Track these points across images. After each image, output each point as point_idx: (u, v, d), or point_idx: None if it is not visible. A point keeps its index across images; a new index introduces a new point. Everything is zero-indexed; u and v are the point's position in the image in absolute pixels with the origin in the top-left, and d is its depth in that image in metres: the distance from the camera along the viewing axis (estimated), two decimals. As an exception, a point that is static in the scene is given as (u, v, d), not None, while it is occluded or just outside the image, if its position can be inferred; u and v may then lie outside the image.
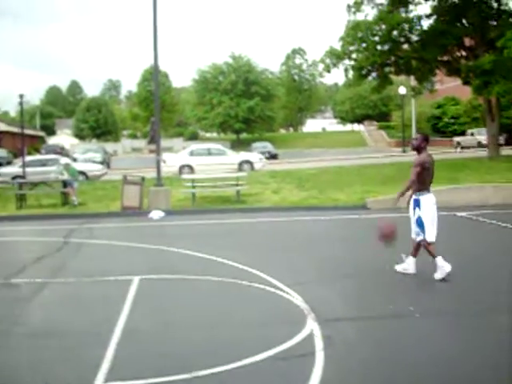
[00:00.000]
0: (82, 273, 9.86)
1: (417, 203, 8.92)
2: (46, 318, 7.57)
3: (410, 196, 9.21)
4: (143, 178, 18.60)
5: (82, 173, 28.15)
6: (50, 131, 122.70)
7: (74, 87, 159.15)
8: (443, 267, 8.60)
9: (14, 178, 27.34)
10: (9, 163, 51.00)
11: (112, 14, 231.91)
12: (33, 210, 19.36)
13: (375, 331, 6.60)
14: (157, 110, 19.76)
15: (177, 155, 34.90)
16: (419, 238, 8.90)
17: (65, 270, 10.29)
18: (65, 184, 20.24)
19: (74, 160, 38.30)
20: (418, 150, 9.10)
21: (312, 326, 6.64)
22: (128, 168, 39.71)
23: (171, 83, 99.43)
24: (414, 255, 9.07)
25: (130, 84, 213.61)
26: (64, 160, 23.90)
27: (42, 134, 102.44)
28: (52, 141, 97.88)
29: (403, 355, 5.84)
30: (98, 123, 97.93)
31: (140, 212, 17.66)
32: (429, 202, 8.89)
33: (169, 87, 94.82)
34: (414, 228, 9.02)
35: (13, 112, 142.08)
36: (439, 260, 8.65)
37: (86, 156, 42.65)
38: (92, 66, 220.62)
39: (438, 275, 8.63)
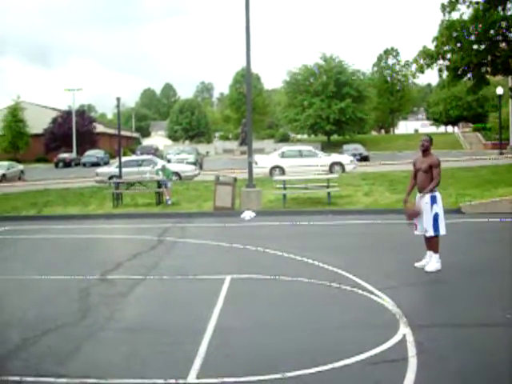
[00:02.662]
0: (176, 271, 10.09)
1: (434, 200, 9.41)
2: (140, 313, 7.80)
3: (408, 194, 9.92)
4: (235, 179, 18.79)
5: (176, 173, 28.77)
6: (145, 133, 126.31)
7: (168, 90, 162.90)
8: (438, 264, 9.37)
9: (111, 177, 28.29)
10: (106, 163, 52.91)
11: (204, 16, 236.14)
12: (128, 208, 19.96)
13: (470, 339, 6.37)
14: (249, 112, 19.92)
15: (268, 157, 35.06)
16: (429, 234, 9.40)
17: (159, 267, 10.55)
18: (159, 184, 20.77)
19: (168, 161, 39.24)
20: (427, 150, 9.63)
21: (404, 331, 6.52)
22: (220, 169, 40.26)
23: (263, 85, 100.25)
24: (436, 251, 9.48)
25: (222, 86, 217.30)
26: (161, 162, 24.51)
27: (137, 135, 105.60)
28: (146, 142, 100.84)
29: (500, 367, 5.61)
30: (191, 125, 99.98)
31: (232, 212, 17.87)
32: (441, 199, 9.53)
33: (260, 89, 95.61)
34: (423, 224, 9.46)
35: (109, 114, 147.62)
36: (438, 256, 9.39)
37: (179, 157, 43.59)
38: (185, 69, 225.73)
39: (430, 268, 9.37)
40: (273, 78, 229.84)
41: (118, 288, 9.10)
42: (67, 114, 71.56)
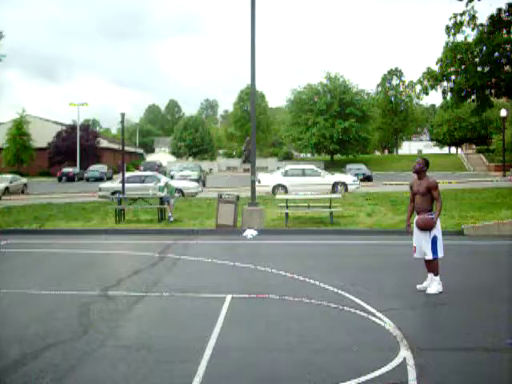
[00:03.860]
0: (176, 288, 10.07)
1: None
2: (140, 331, 7.76)
3: (409, 217, 10.09)
4: (238, 197, 18.78)
5: (179, 190, 28.82)
6: (149, 148, 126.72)
7: (173, 106, 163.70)
8: (439, 286, 9.42)
9: (114, 193, 28.37)
10: (109, 179, 53.04)
11: (210, 34, 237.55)
12: (130, 224, 19.94)
13: (471, 363, 6.33)
14: (253, 130, 19.93)
15: (271, 175, 35.06)
16: (429, 257, 9.46)
17: (159, 284, 10.53)
18: (162, 200, 20.77)
19: (171, 177, 39.31)
20: (419, 172, 9.68)
21: (405, 354, 6.49)
22: (223, 186, 40.28)
23: (267, 103, 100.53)
24: (436, 273, 9.54)
25: (226, 104, 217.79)
26: (164, 179, 24.58)
27: (140, 151, 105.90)
28: (150, 158, 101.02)
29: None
30: (195, 142, 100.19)
31: (234, 230, 17.86)
32: (439, 221, 9.55)
33: (264, 107, 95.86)
34: (421, 248, 9.56)
35: (114, 129, 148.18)
36: (439, 279, 9.45)
37: (182, 173, 43.63)
38: (190, 86, 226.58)
39: (432, 290, 9.39)
40: (277, 97, 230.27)
41: (118, 305, 9.08)
42: (71, 129, 71.79)
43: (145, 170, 49.42)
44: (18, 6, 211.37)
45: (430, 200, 9.49)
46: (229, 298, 9.17)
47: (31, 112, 75.04)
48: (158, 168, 58.52)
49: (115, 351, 6.89)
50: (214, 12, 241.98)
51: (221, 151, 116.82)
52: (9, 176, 45.78)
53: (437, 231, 9.41)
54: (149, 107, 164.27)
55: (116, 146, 77.35)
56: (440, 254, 9.44)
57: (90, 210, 24.45)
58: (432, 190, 9.44)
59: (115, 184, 31.65)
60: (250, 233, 17.20)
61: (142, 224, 20.02)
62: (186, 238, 16.74)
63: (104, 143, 78.14)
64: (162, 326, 8.00)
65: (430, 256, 9.40)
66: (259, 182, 29.44)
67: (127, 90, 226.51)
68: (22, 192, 44.05)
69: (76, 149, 67.37)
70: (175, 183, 28.23)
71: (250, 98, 20.46)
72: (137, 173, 41.28)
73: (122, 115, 26.69)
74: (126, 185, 27.61)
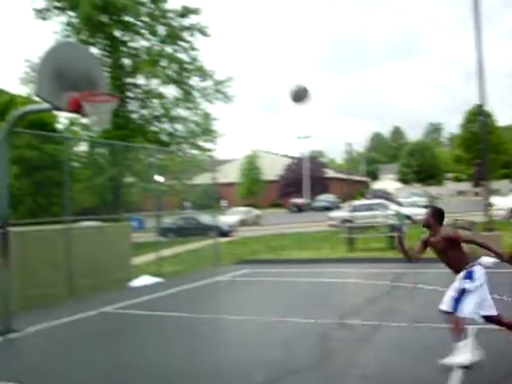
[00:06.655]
0: (413, 318, 9.84)
1: (470, 276, 7.12)
2: (379, 360, 7.64)
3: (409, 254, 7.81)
4: (474, 223, 18.01)
5: (408, 217, 28.37)
6: (374, 176, 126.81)
7: (397, 133, 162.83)
8: (467, 354, 6.85)
9: (344, 221, 28.70)
10: (337, 208, 53.85)
11: (428, 56, 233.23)
12: (361, 253, 19.99)
13: None
14: (484, 151, 19.07)
15: (506, 198, 33.22)
16: (442, 308, 7.05)
17: (395, 313, 10.35)
18: (392, 228, 20.57)
19: (399, 204, 38.88)
20: (429, 226, 7.48)
21: None
22: (453, 212, 38.87)
23: (496, 122, 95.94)
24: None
25: (450, 126, 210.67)
26: (393, 207, 24.49)
27: (366, 179, 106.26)
28: (375, 185, 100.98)
29: None
30: (422, 167, 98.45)
31: (472, 257, 17.07)
32: (483, 275, 7.30)
33: (493, 127, 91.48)
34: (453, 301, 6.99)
35: (339, 159, 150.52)
36: (464, 345, 6.91)
37: (410, 200, 43.05)
38: (411, 111, 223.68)
39: (456, 360, 6.86)
40: (505, 114, 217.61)
41: (355, 333, 9.07)
42: (299, 161, 74.32)
43: (372, 198, 49.44)
44: (242, 48, 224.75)
45: (461, 252, 7.35)
46: (471, 328, 8.71)
47: (261, 147, 79.24)
48: (387, 196, 58.27)
49: (357, 381, 6.85)
50: (434, 33, 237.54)
51: (449, 175, 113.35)
52: (244, 209, 48.79)
53: (471, 285, 7.02)
54: (373, 135, 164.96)
55: (342, 176, 78.49)
56: (463, 313, 6.87)
57: (321, 239, 24.96)
58: (456, 241, 7.29)
59: (344, 213, 32.09)
60: (486, 260, 16.29)
61: (373, 252, 19.98)
62: (419, 267, 16.30)
63: (330, 173, 79.82)
64: (401, 356, 7.81)
65: (444, 307, 7.04)
66: (492, 205, 27.93)
67: (350, 119, 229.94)
68: (256, 223, 46.39)
69: (303, 180, 69.51)
70: (404, 210, 27.87)
71: (479, 118, 19.64)
72: (365, 201, 41.47)
73: (348, 145, 27.08)
74: (355, 213, 27.82)
